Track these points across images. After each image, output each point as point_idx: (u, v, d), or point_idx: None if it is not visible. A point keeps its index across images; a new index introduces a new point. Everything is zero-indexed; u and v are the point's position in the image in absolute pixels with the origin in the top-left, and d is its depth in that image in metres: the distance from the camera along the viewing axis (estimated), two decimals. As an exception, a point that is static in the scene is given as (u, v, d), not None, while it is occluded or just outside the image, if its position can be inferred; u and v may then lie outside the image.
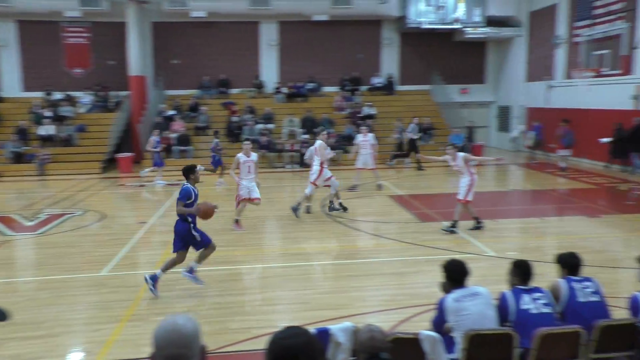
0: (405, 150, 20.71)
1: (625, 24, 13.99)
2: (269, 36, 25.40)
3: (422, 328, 5.00)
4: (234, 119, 22.76)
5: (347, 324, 4.15)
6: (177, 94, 24.59)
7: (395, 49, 26.25)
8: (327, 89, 25.78)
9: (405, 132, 20.62)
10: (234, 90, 25.38)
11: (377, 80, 25.88)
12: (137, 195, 16.51)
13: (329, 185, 12.52)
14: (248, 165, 11.04)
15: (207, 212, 7.38)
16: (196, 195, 7.41)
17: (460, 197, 10.47)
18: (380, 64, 26.29)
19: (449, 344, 4.41)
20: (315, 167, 12.35)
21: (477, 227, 10.63)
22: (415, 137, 20.23)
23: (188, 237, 7.43)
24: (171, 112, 23.00)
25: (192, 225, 7.41)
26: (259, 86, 25.22)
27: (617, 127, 17.79)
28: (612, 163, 18.42)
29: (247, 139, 11.17)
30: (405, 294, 7.44)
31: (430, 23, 24.19)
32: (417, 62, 26.32)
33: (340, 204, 12.61)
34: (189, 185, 7.45)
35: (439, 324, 4.62)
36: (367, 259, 9.27)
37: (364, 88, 25.72)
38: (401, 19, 24.90)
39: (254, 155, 11.21)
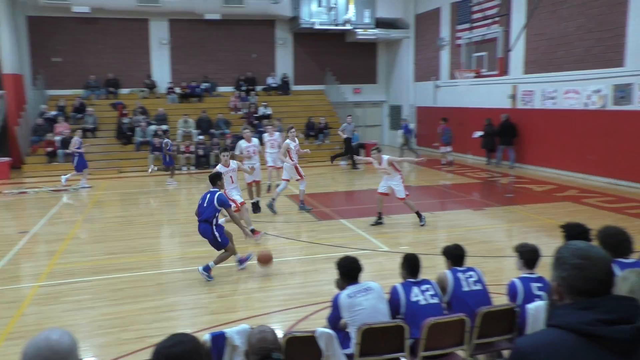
0: (343, 150, 20.89)
1: (500, 28, 15.03)
2: (159, 34, 24.66)
3: (321, 325, 5.11)
4: (125, 120, 21.87)
5: (243, 326, 4.15)
6: (60, 94, 23.19)
7: (289, 49, 26.47)
8: (222, 89, 25.48)
9: (338, 131, 20.93)
10: (124, 91, 24.39)
11: (272, 81, 25.97)
12: (18, 203, 15.41)
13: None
14: (230, 175, 10.36)
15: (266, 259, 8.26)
16: None
17: (402, 195, 10.89)
18: (275, 64, 26.38)
19: (345, 340, 4.54)
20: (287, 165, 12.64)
21: (379, 222, 11.09)
22: (350, 136, 20.56)
23: (210, 237, 8.14)
24: (54, 113, 21.66)
25: (214, 226, 8.15)
26: (151, 86, 24.41)
27: (487, 123, 19.56)
28: (492, 158, 19.88)
29: (225, 149, 10.36)
30: (304, 292, 7.54)
31: (322, 24, 24.61)
32: (311, 62, 26.71)
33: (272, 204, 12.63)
34: (218, 190, 8.31)
35: (335, 320, 4.73)
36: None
37: (259, 88, 25.69)
38: (294, 19, 25.13)
39: (234, 163, 10.48)
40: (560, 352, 1.81)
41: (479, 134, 19.95)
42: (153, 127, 21.51)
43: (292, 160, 12.50)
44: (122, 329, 6.43)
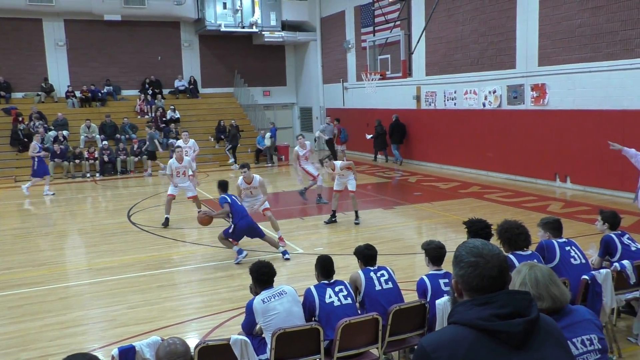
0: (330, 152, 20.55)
1: (401, 32, 15.53)
2: (55, 35, 23.36)
3: (237, 331, 5.04)
4: (21, 126, 20.52)
5: (154, 338, 4.01)
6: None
7: (196, 51, 25.98)
8: (127, 93, 24.57)
9: (318, 133, 20.90)
10: (18, 95, 22.91)
11: (180, 84, 25.37)
12: None
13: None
14: (250, 191, 9.99)
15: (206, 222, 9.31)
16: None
17: (354, 188, 11.42)
18: (181, 67, 25.79)
19: (261, 346, 4.51)
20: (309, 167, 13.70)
21: (332, 220, 11.50)
22: (330, 137, 20.61)
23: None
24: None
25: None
26: (48, 90, 23.07)
27: (377, 124, 20.88)
28: (377, 155, 21.59)
29: (243, 166, 9.94)
30: (219, 299, 7.41)
31: (228, 26, 24.35)
32: (219, 64, 26.36)
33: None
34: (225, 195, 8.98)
35: (249, 326, 4.69)
36: (178, 267, 9.05)
37: (166, 91, 25.01)
38: (199, 21, 24.70)
39: (256, 180, 9.90)
40: (461, 349, 1.87)
41: (370, 136, 21.22)
42: (52, 133, 20.36)
43: (301, 166, 13.43)
44: (21, 349, 6.02)
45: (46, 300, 7.51)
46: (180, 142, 14.68)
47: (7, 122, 21.01)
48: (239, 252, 9.01)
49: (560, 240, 5.26)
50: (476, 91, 17.13)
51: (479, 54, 16.86)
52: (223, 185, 9.26)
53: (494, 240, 4.81)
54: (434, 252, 4.94)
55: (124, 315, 6.90)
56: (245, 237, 9.13)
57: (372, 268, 5.10)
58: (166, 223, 11.66)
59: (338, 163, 11.50)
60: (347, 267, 7.92)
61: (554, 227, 5.41)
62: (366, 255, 5.18)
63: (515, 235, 4.77)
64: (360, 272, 5.05)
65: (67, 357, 2.13)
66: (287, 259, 9.04)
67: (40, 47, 23.22)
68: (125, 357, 3.87)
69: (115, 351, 3.86)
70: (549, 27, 14.47)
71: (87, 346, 6.08)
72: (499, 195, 13.84)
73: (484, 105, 16.90)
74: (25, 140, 20.17)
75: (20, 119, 20.85)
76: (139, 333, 6.19)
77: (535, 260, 4.48)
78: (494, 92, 16.46)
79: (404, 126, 20.15)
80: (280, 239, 9.69)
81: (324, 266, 4.89)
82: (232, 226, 8.90)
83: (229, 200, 8.97)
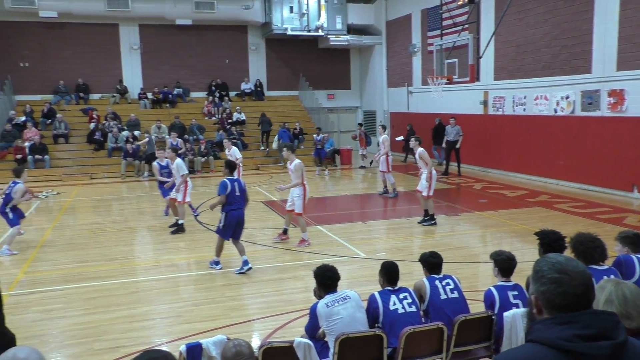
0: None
1: (470, 35, 15.21)
2: (130, 40, 24.35)
3: (299, 334, 5.07)
4: (97, 125, 21.49)
5: (220, 336, 4.09)
6: (28, 100, 22.72)
7: (262, 54, 26.41)
8: (195, 95, 25.29)
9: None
10: (95, 96, 24.02)
11: (246, 86, 25.86)
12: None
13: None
14: (289, 173, 10.33)
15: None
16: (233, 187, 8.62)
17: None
18: (248, 70, 26.28)
19: (323, 349, 4.51)
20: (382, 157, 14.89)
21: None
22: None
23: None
24: (23, 119, 21.20)
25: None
26: (122, 91, 24.07)
27: (409, 128, 21.90)
28: (407, 157, 22.57)
29: (285, 145, 10.33)
30: (281, 300, 7.49)
31: (294, 30, 24.61)
32: (284, 68, 26.69)
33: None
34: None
35: (312, 330, 4.70)
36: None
37: (232, 94, 25.56)
38: (266, 25, 25.08)
39: (294, 164, 10.10)
40: None
41: (400, 138, 21.98)
42: (125, 133, 21.20)
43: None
44: (94, 339, 6.29)
45: (117, 294, 7.82)
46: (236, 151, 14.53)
47: (85, 122, 22.04)
48: (216, 263, 8.83)
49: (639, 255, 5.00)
50: (547, 97, 16.56)
51: (551, 58, 16.30)
52: (230, 166, 8.90)
53: (568, 253, 4.62)
54: (504, 263, 4.79)
55: (190, 312, 7.09)
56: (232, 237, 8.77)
57: (437, 276, 5.02)
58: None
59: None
60: (410, 274, 7.83)
61: (633, 241, 5.14)
62: (431, 263, 5.10)
63: (590, 249, 4.56)
64: (425, 280, 4.98)
65: (143, 352, 2.20)
66: (243, 272, 8.58)
67: (116, 51, 24.27)
68: (192, 354, 3.96)
69: (183, 347, 3.96)
70: (629, 30, 13.80)
71: (155, 340, 6.29)
72: (570, 205, 13.31)
73: (555, 111, 16.32)
74: (101, 139, 21.11)
75: (96, 118, 21.84)
76: (203, 330, 6.34)
77: (612, 276, 4.27)
78: (567, 97, 15.86)
79: (444, 128, 20.10)
80: (301, 240, 10.07)
81: (389, 272, 4.85)
82: (222, 216, 8.53)
83: (229, 186, 8.52)
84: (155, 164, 12.54)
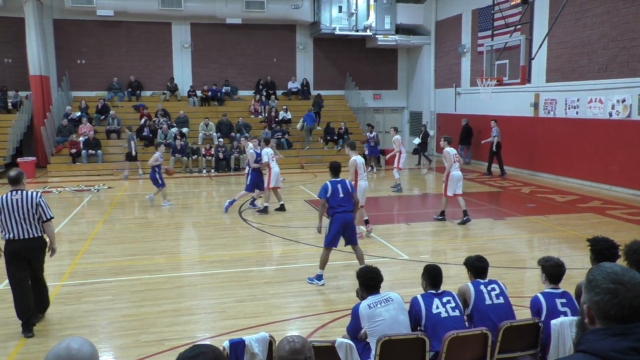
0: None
1: (522, 36, 14.89)
2: (181, 38, 24.87)
3: (340, 334, 5.08)
4: (147, 122, 22.05)
5: (262, 334, 4.13)
6: (84, 96, 23.53)
7: (310, 54, 26.52)
8: (242, 93, 25.61)
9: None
10: (146, 93, 24.63)
11: (293, 85, 26.02)
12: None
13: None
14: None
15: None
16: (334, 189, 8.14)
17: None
18: (295, 69, 26.43)
19: (365, 351, 4.50)
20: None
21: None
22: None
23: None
24: (78, 114, 21.95)
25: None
26: (173, 89, 24.62)
27: (425, 130, 23.17)
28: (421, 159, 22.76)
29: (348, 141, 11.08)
30: (323, 299, 7.51)
31: (342, 29, 24.60)
32: (331, 67, 26.72)
33: None
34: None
35: (354, 330, 4.69)
36: (285, 265, 9.29)
37: (279, 92, 25.76)
38: (315, 25, 25.17)
39: (351, 160, 10.57)
40: None
41: (416, 141, 22.84)
42: (174, 130, 21.67)
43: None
44: (141, 331, 6.46)
45: (163, 288, 8.00)
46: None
47: (137, 118, 22.64)
48: (318, 278, 8.16)
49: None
50: (602, 100, 16.04)
51: (608, 60, 15.77)
52: (332, 168, 8.50)
53: (620, 262, 4.46)
54: (553, 270, 4.67)
55: (233, 308, 7.19)
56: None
57: (482, 281, 4.93)
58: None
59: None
60: (453, 278, 7.73)
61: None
62: (477, 268, 5.01)
63: None
64: (469, 284, 4.90)
65: (193, 346, 2.25)
66: None
67: (168, 49, 24.83)
68: (235, 350, 4.01)
69: (226, 343, 4.02)
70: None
71: (199, 335, 6.40)
72: (623, 212, 12.85)
73: (610, 115, 15.78)
74: (150, 136, 21.64)
75: (147, 115, 22.40)
76: (246, 327, 6.42)
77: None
78: (623, 101, 15.31)
79: (471, 129, 21.67)
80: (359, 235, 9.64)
81: (433, 275, 4.80)
82: (328, 223, 8.07)
83: (329, 189, 8.04)
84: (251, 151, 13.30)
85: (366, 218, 11.05)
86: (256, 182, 13.28)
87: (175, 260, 9.61)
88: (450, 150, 11.87)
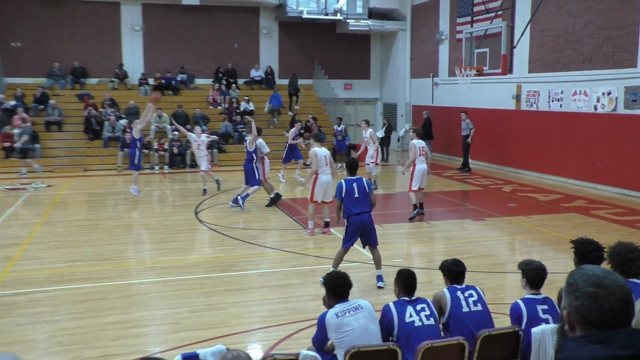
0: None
1: (503, 23, 15.12)
2: (132, 20, 24.49)
3: (305, 346, 5.06)
4: (93, 113, 21.64)
5: (219, 346, 4.08)
6: (19, 83, 22.93)
7: (275, 39, 26.44)
8: (200, 82, 25.38)
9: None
10: (92, 81, 24.20)
11: (256, 73, 25.89)
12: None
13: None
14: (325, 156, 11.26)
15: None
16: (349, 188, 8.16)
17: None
18: (258, 56, 26.32)
19: (332, 364, 4.49)
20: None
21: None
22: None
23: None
24: (12, 104, 21.37)
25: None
26: (122, 76, 24.23)
27: (385, 123, 23.81)
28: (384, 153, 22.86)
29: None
30: (288, 308, 7.48)
31: (310, 13, 24.59)
32: (298, 54, 26.70)
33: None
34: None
35: (320, 341, 4.68)
36: (245, 271, 9.23)
37: (241, 81, 25.62)
38: (280, 7, 25.10)
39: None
40: None
41: (380, 133, 22.43)
42: (123, 122, 21.33)
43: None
44: (83, 346, 6.32)
45: (109, 297, 7.86)
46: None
47: (80, 109, 22.20)
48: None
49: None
50: (587, 92, 16.40)
51: (593, 50, 16.12)
52: (350, 166, 8.51)
53: (605, 265, 4.55)
54: (534, 274, 4.73)
55: (188, 319, 7.10)
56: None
57: (459, 287, 4.98)
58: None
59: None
60: (429, 283, 7.79)
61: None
62: (453, 272, 5.06)
63: (630, 260, 4.48)
64: (445, 290, 4.94)
65: (141, 358, 2.21)
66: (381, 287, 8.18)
67: (116, 32, 24.42)
68: (188, 365, 3.95)
69: (178, 357, 3.96)
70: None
71: (150, 349, 6.31)
72: (609, 212, 13.17)
73: (595, 108, 16.15)
74: (97, 128, 21.26)
75: (92, 105, 21.97)
76: (202, 339, 6.35)
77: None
78: (609, 93, 15.69)
79: (431, 123, 21.95)
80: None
81: (406, 281, 4.82)
82: (345, 223, 8.17)
83: (344, 188, 8.07)
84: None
85: (327, 220, 11.32)
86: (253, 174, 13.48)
87: (123, 266, 9.46)
88: (416, 143, 12.43)
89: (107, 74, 24.32)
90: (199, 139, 15.70)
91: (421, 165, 12.36)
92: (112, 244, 10.67)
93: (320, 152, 11.18)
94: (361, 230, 8.08)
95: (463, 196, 15.72)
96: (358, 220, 8.01)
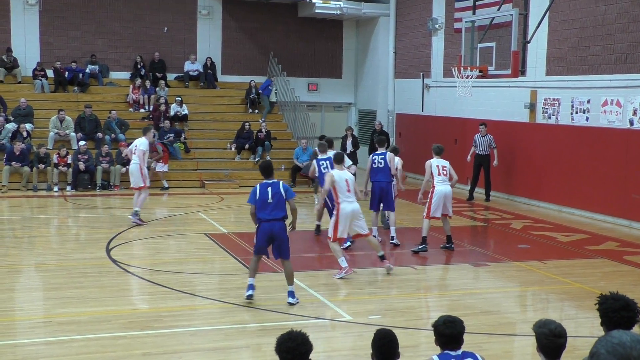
0: None
1: (514, 10, 15.35)
2: (26, -8, 24.32)
3: None
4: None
5: None
6: None
7: (217, 23, 26.46)
8: (117, 76, 25.26)
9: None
10: (-31, 70, 23.91)
11: (192, 67, 25.84)
12: None
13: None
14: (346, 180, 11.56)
15: None
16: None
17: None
18: (195, 43, 26.30)
19: None
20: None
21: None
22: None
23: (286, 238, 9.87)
24: None
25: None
26: (10, 66, 23.93)
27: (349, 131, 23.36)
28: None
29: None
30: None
31: (266, -10, 24.79)
32: (248, 43, 26.76)
33: None
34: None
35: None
36: (172, 328, 9.15)
37: (171, 77, 25.57)
38: (225, -18, 25.24)
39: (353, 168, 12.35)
40: None
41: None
42: (10, 126, 21.05)
43: None
44: None
45: (-14, 363, 7.72)
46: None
47: (-48, 108, 21.90)
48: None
49: None
50: (620, 102, 16.77)
51: (629, 48, 16.52)
52: (264, 168, 10.06)
53: (637, 329, 4.66)
54: (547, 341, 4.77)
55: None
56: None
57: (453, 353, 5.02)
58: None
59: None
60: (415, 348, 7.85)
61: None
62: (445, 335, 5.09)
63: None
64: (435, 358, 4.99)
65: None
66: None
67: (3, 6, 24.16)
68: None
69: None
70: None
71: None
72: (647, 258, 13.48)
73: (631, 122, 16.52)
74: (-26, 133, 20.96)
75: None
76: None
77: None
78: (649, 104, 16.09)
79: (387, 135, 22.26)
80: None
81: (384, 345, 4.85)
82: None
83: (258, 192, 9.73)
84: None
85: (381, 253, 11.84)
86: None
87: (5, 320, 9.31)
88: (432, 162, 13.06)
89: (-10, 62, 24.08)
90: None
91: (442, 187, 12.96)
92: (-8, 291, 10.51)
93: (340, 175, 11.50)
94: (271, 239, 9.63)
95: (461, 233, 15.88)
96: (268, 227, 9.55)
